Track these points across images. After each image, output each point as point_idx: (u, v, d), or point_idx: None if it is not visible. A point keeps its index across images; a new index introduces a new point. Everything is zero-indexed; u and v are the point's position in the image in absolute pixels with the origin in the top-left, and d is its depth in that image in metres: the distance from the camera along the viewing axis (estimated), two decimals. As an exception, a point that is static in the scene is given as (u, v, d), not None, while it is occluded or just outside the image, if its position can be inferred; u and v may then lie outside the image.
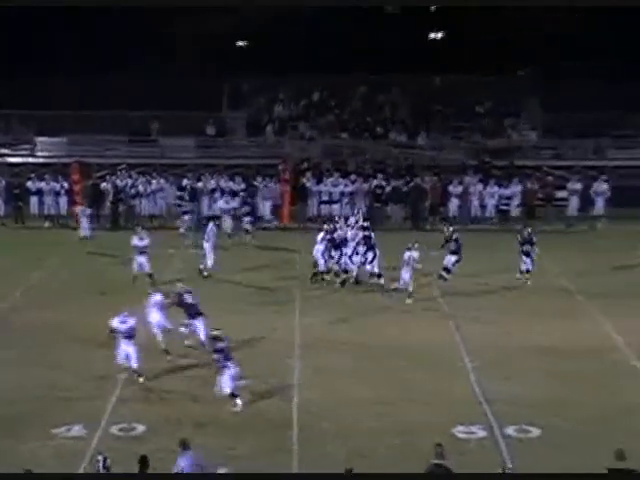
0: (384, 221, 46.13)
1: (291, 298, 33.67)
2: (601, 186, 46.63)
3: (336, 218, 38.16)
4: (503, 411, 24.02)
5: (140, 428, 22.90)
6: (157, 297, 28.39)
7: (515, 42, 54.83)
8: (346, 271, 35.22)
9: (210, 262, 36.60)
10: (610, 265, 37.15)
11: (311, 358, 27.65)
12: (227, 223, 43.19)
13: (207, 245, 36.76)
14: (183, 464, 18.12)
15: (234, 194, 46.19)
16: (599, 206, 46.48)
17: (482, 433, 23.03)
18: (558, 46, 54.61)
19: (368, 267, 34.87)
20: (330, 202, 46.94)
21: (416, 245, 33.44)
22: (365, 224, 35.90)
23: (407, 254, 33.15)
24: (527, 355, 28.00)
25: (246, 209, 42.93)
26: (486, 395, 24.98)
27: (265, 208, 46.96)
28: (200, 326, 27.68)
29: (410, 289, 33.16)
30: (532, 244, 34.79)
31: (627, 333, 29.61)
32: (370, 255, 34.69)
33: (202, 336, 27.52)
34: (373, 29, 56.12)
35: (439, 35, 61.34)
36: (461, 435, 22.85)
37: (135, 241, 35.31)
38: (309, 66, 53.68)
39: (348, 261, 35.12)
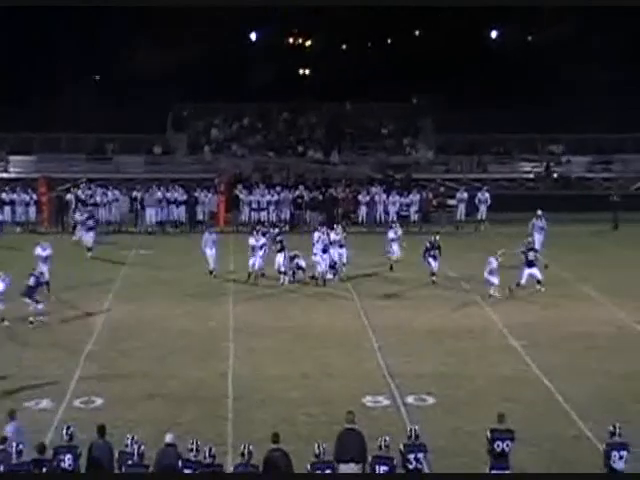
0: (304, 225, 46.35)
1: (226, 291, 33.54)
2: (483, 195, 46.96)
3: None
4: (404, 383, 24.10)
5: (99, 401, 22.71)
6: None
7: (411, 74, 55.26)
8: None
9: (212, 264, 35.29)
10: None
11: (243, 340, 27.56)
12: (79, 233, 40.84)
13: (208, 251, 35.20)
14: (9, 430, 17.89)
15: (178, 204, 46.23)
16: (482, 212, 46.82)
17: (386, 402, 23.05)
18: (448, 78, 55.11)
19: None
20: (259, 210, 46.84)
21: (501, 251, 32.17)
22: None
23: (493, 261, 31.78)
24: (424, 336, 28.09)
25: (90, 223, 39.65)
26: (390, 370, 25.03)
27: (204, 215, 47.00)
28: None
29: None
30: (536, 251, 32.80)
31: (504, 316, 29.90)
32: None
33: None
34: (295, 64, 56.19)
35: (306, 71, 61.92)
36: (369, 404, 22.86)
37: (38, 251, 32.45)
38: (240, 95, 53.73)
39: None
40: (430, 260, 33.95)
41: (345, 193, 47.44)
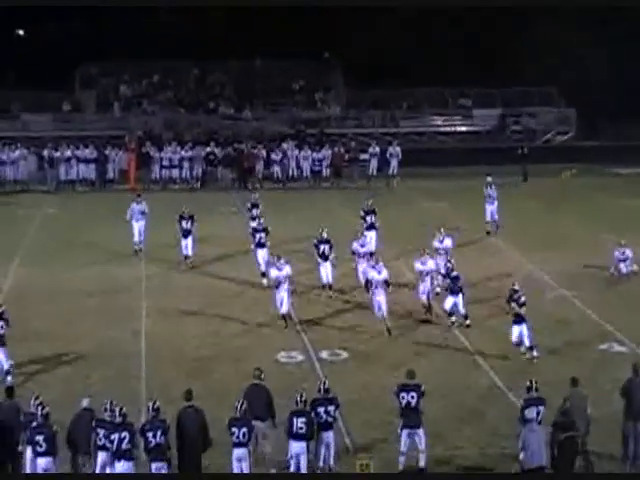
0: (216, 182, 46.20)
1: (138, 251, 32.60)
2: (395, 149, 47.04)
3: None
4: (318, 339, 24.09)
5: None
6: None
7: (322, 29, 54.96)
8: None
9: (137, 237, 31.98)
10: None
11: (155, 300, 27.18)
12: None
13: (134, 223, 31.92)
14: None
15: (87, 161, 45.56)
16: (393, 166, 46.86)
17: (300, 357, 23.07)
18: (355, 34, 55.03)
19: None
20: (170, 167, 46.32)
21: None
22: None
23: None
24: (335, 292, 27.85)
25: None
26: (303, 325, 24.95)
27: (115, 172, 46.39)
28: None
29: None
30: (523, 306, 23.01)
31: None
32: None
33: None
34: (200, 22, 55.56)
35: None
36: (283, 359, 22.86)
37: None
38: (149, 52, 53.01)
39: None
40: (448, 297, 24.97)
41: (257, 149, 47.06)
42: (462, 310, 24.80)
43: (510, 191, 42.23)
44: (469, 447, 18.38)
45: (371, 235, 30.26)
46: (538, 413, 16.71)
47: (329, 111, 55.35)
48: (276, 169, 46.85)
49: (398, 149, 46.95)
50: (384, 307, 24.29)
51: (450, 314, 24.86)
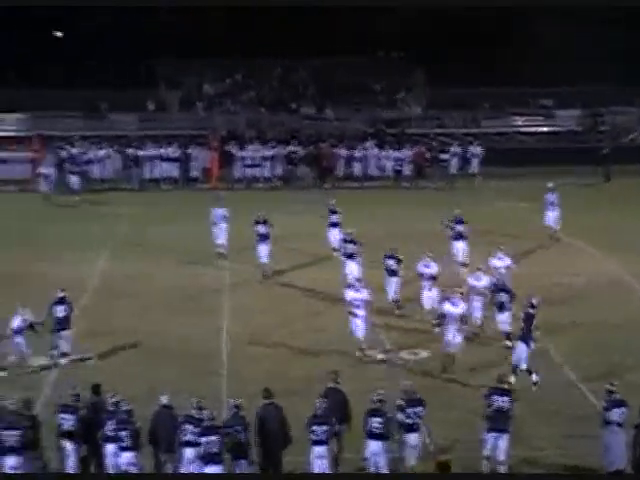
0: (296, 181, 46.45)
1: (221, 249, 32.27)
2: (476, 149, 46.80)
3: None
4: (397, 338, 24.08)
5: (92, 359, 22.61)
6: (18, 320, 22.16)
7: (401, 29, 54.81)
8: None
9: (220, 241, 31.58)
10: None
11: (236, 300, 27.40)
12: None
13: (217, 227, 31.49)
14: None
15: (171, 160, 45.98)
16: (474, 166, 46.64)
17: (380, 356, 23.09)
18: (435, 35, 54.68)
19: None
20: (252, 166, 46.63)
21: None
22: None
23: None
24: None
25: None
26: (384, 324, 24.85)
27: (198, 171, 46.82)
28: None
29: None
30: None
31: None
32: None
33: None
34: (284, 19, 55.63)
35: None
36: (363, 358, 22.81)
37: None
38: (231, 52, 53.32)
39: None
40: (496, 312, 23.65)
41: (338, 148, 47.18)
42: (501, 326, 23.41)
43: (592, 192, 41.90)
44: (549, 447, 18.31)
45: (459, 246, 29.28)
46: (621, 415, 16.61)
47: (410, 111, 55.25)
48: (356, 168, 46.98)
49: (479, 149, 46.75)
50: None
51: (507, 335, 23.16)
